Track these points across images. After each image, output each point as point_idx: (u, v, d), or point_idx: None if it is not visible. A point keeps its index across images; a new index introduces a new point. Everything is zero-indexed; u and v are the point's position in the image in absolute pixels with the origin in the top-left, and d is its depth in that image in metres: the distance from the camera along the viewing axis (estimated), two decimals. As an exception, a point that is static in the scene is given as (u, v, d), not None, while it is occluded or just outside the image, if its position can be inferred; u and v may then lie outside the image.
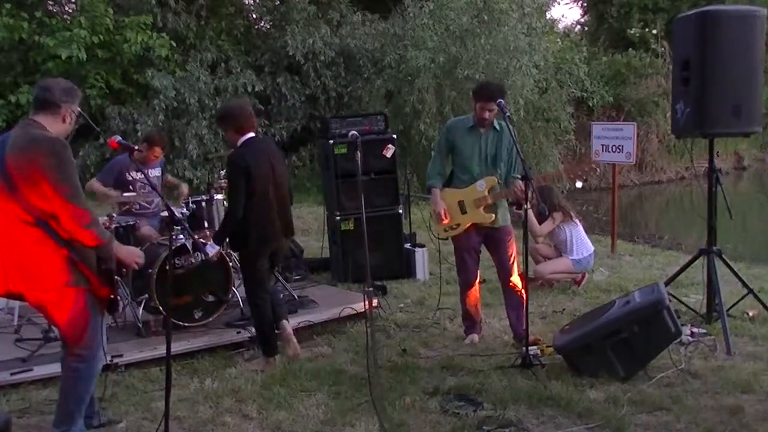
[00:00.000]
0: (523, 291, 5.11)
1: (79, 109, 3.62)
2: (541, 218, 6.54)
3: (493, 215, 5.14)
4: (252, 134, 4.84)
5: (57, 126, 3.50)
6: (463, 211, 5.18)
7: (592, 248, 6.95)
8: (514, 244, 5.28)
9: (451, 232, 5.25)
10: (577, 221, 6.92)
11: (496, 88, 5.13)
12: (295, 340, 5.05)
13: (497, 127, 5.11)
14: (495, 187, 5.12)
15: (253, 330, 5.22)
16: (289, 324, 5.11)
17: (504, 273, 5.27)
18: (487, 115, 5.02)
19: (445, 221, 5.18)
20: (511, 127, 4.96)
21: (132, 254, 3.76)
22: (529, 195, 4.82)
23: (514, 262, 5.27)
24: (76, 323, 3.53)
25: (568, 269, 6.82)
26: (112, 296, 3.63)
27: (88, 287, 3.52)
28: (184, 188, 6.57)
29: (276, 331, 5.01)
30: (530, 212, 5.52)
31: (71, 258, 3.43)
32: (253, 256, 4.87)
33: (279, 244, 5.00)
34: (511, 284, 5.25)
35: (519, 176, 5.05)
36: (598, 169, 5.79)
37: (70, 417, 3.61)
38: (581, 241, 6.84)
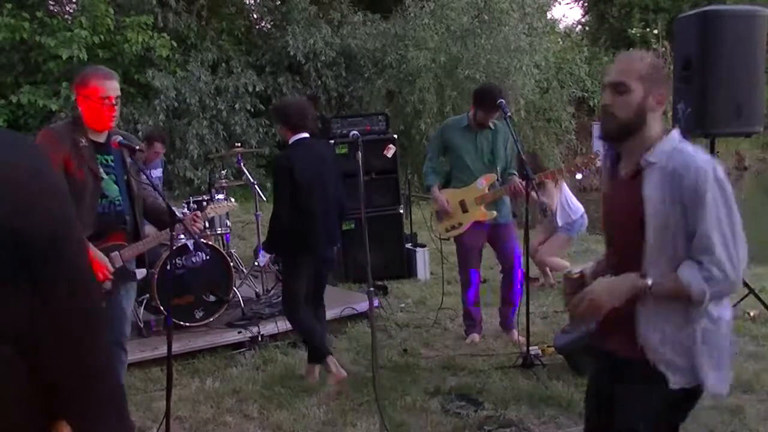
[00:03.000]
0: (521, 285, 5.29)
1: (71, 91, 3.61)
2: (543, 215, 6.52)
3: (495, 212, 5.17)
4: (306, 135, 4.53)
5: (80, 113, 3.54)
6: (465, 210, 5.20)
7: (582, 209, 6.93)
8: (516, 241, 5.33)
9: (454, 231, 5.27)
10: (563, 183, 6.89)
11: (497, 95, 5.06)
12: (335, 369, 4.60)
13: (491, 126, 5.18)
14: (494, 184, 5.17)
15: (254, 330, 5.23)
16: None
17: (508, 263, 5.32)
18: (488, 122, 5.10)
19: (450, 211, 5.20)
20: (512, 127, 5.00)
21: (101, 263, 3.50)
22: (531, 194, 4.84)
23: (517, 254, 5.32)
24: None
25: (566, 242, 6.87)
26: None
27: None
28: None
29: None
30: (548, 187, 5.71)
31: None
32: (293, 265, 4.57)
33: (322, 255, 4.62)
34: (513, 272, 5.32)
35: (515, 173, 5.17)
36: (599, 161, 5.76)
37: None
38: (570, 202, 6.84)
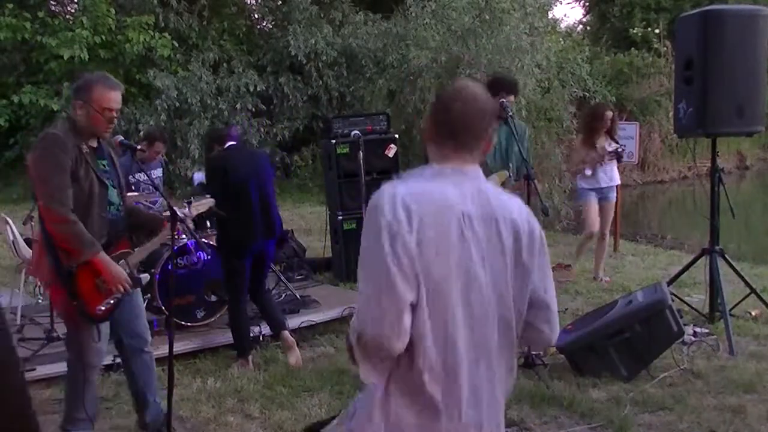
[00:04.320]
0: None
1: (82, 101, 3.38)
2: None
3: None
4: (233, 142, 5.02)
5: (75, 118, 3.44)
6: None
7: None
8: None
9: None
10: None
11: (513, 80, 5.25)
12: (296, 349, 4.98)
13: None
14: (507, 182, 5.10)
15: (256, 330, 5.23)
16: (289, 333, 5.03)
17: None
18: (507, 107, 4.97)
19: None
20: (514, 127, 4.96)
21: (118, 276, 3.41)
22: (533, 195, 4.81)
23: None
24: (65, 320, 3.57)
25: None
26: (102, 309, 3.42)
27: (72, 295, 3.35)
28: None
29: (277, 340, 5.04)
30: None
31: (58, 258, 3.32)
32: (231, 256, 4.91)
33: (260, 248, 4.94)
34: None
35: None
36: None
37: (68, 417, 3.60)
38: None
